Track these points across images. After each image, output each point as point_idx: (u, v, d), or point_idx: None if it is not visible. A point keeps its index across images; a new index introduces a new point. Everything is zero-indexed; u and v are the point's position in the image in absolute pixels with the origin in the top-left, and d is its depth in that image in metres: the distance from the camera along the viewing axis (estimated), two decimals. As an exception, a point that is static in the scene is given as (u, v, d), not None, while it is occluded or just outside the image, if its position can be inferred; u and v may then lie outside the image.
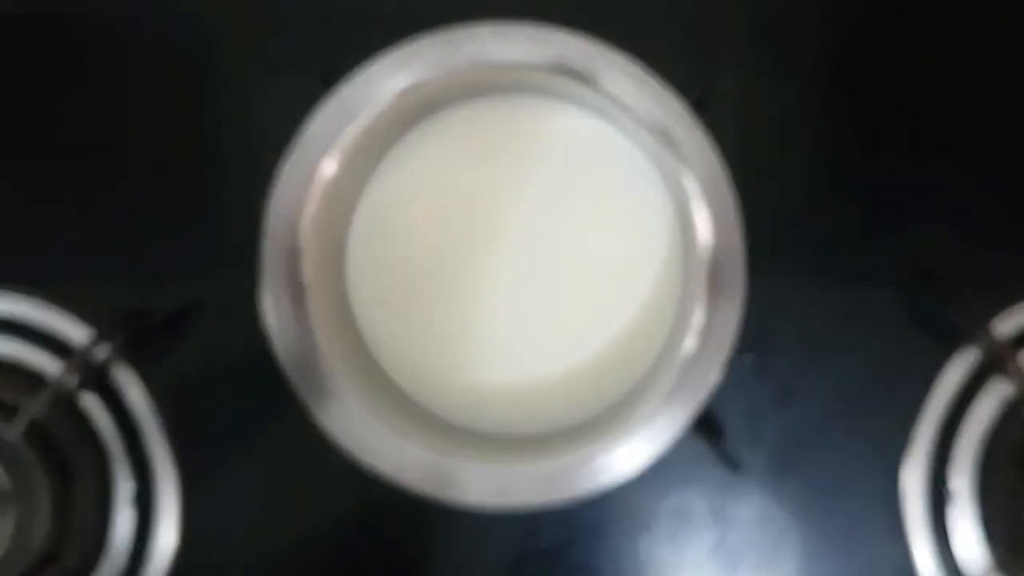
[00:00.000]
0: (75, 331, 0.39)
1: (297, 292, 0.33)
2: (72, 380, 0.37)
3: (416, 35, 0.33)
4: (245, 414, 0.39)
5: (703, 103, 0.34)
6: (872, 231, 0.40)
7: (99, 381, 0.38)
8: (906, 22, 0.40)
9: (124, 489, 0.38)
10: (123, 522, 0.38)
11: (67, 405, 0.38)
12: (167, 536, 0.38)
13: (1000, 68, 0.40)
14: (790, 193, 0.40)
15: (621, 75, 0.32)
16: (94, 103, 0.41)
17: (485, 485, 0.33)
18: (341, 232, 0.37)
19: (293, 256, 0.33)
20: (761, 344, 0.38)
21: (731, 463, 0.38)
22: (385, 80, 0.33)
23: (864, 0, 0.40)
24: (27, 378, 0.38)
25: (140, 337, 0.39)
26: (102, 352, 0.38)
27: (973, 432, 0.38)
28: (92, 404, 0.38)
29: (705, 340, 0.33)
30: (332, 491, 0.38)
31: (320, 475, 0.37)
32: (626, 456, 0.33)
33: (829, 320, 0.39)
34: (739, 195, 0.33)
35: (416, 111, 0.36)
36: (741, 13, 0.40)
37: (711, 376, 0.33)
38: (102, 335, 0.38)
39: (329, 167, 0.33)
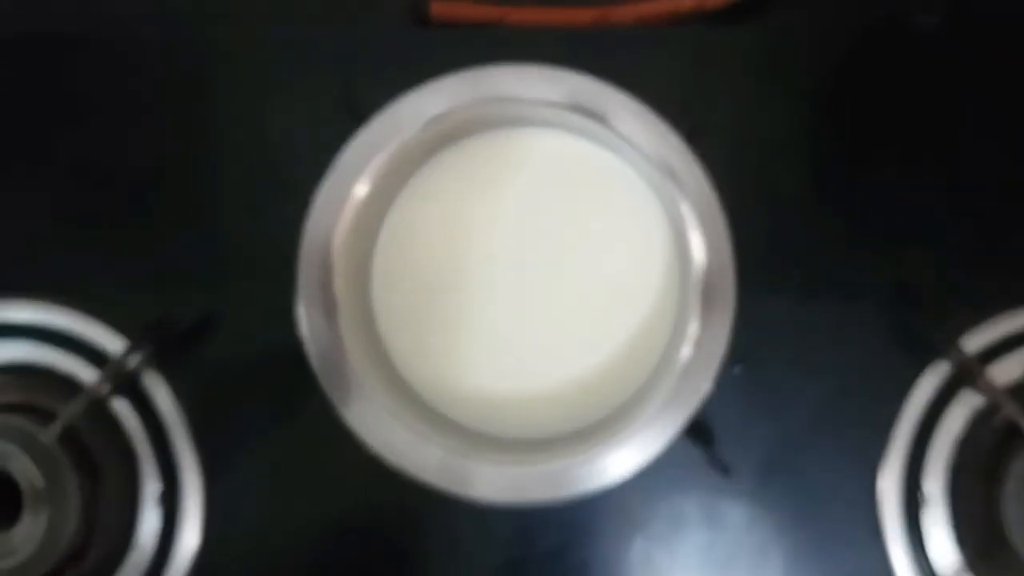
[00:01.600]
0: (108, 340, 0.40)
1: (329, 303, 0.35)
2: (105, 387, 0.38)
3: (440, 75, 0.35)
4: (268, 417, 0.40)
5: (696, 134, 0.36)
6: (853, 253, 0.41)
7: (129, 387, 0.40)
8: (889, 54, 0.41)
9: (150, 489, 0.39)
10: (148, 521, 0.39)
11: (99, 410, 0.39)
12: (190, 535, 0.39)
13: (981, 97, 0.41)
14: (777, 218, 0.41)
15: (625, 111, 0.35)
16: (130, 124, 0.42)
17: (495, 483, 0.35)
18: (368, 249, 0.39)
19: (326, 270, 0.35)
20: (749, 357, 0.39)
21: (722, 468, 0.39)
22: (412, 113, 0.35)
23: (849, 32, 0.42)
24: (60, 384, 0.40)
25: (168, 345, 0.40)
26: (133, 360, 0.39)
27: (945, 441, 0.39)
28: (122, 408, 0.40)
29: (698, 351, 0.35)
30: (353, 490, 0.39)
31: (340, 473, 0.38)
32: (625, 459, 0.35)
33: (812, 335, 0.40)
34: (730, 219, 0.35)
35: (439, 141, 0.38)
36: (731, 48, 0.41)
37: (704, 385, 0.35)
38: (134, 344, 0.39)
39: (360, 191, 0.35)
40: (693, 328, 0.35)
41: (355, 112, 0.36)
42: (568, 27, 0.42)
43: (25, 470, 0.35)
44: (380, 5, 0.43)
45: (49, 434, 0.36)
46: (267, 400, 0.40)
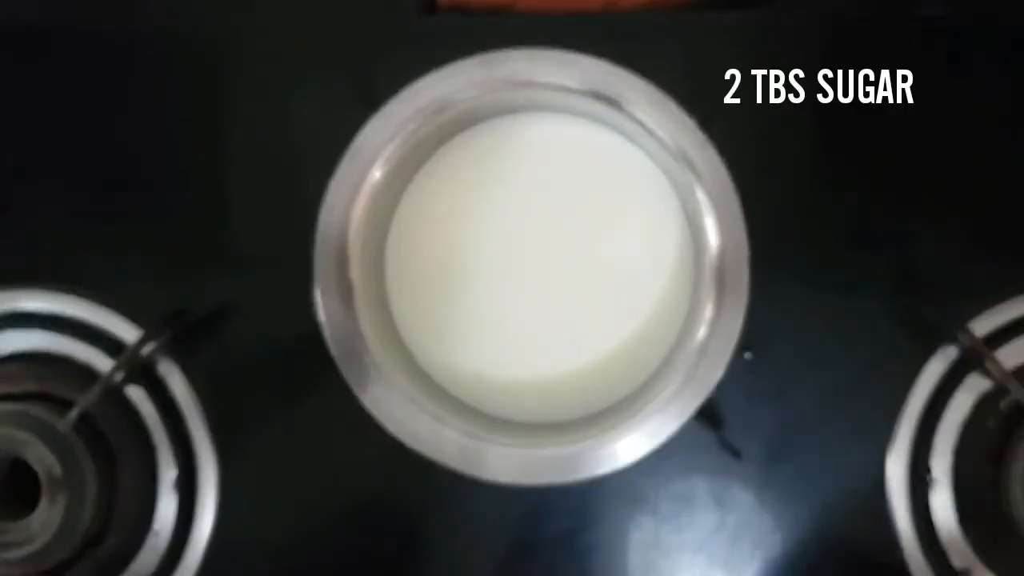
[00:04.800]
0: (124, 329, 0.40)
1: (345, 289, 0.35)
2: (121, 375, 0.39)
3: (452, 61, 0.35)
4: (284, 403, 0.40)
5: (708, 119, 0.37)
6: (863, 241, 0.41)
7: (145, 375, 0.40)
8: (896, 39, 0.41)
9: (167, 475, 0.40)
10: (165, 506, 0.40)
11: (115, 398, 0.39)
12: (207, 519, 0.40)
13: (987, 87, 0.41)
14: (788, 204, 0.41)
15: (640, 96, 0.35)
16: (145, 115, 0.42)
17: (510, 465, 0.35)
18: (382, 235, 0.39)
19: (342, 256, 0.35)
20: (760, 342, 0.39)
21: (732, 452, 0.39)
22: (425, 99, 0.35)
23: (857, 18, 0.42)
24: (77, 372, 0.40)
25: (184, 333, 0.40)
26: (149, 348, 0.39)
27: (952, 424, 0.39)
28: (138, 396, 0.40)
29: (712, 336, 0.35)
30: (368, 473, 0.39)
31: (356, 457, 0.38)
32: (637, 442, 0.36)
33: (822, 320, 0.40)
34: (743, 205, 0.35)
35: (452, 127, 0.38)
36: (741, 33, 0.41)
37: (716, 369, 0.35)
38: (149, 332, 0.39)
39: (375, 177, 0.36)
40: (707, 313, 0.35)
41: (368, 99, 0.36)
42: (578, 13, 0.42)
43: (42, 458, 0.35)
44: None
45: (66, 422, 0.36)
46: (283, 386, 0.40)
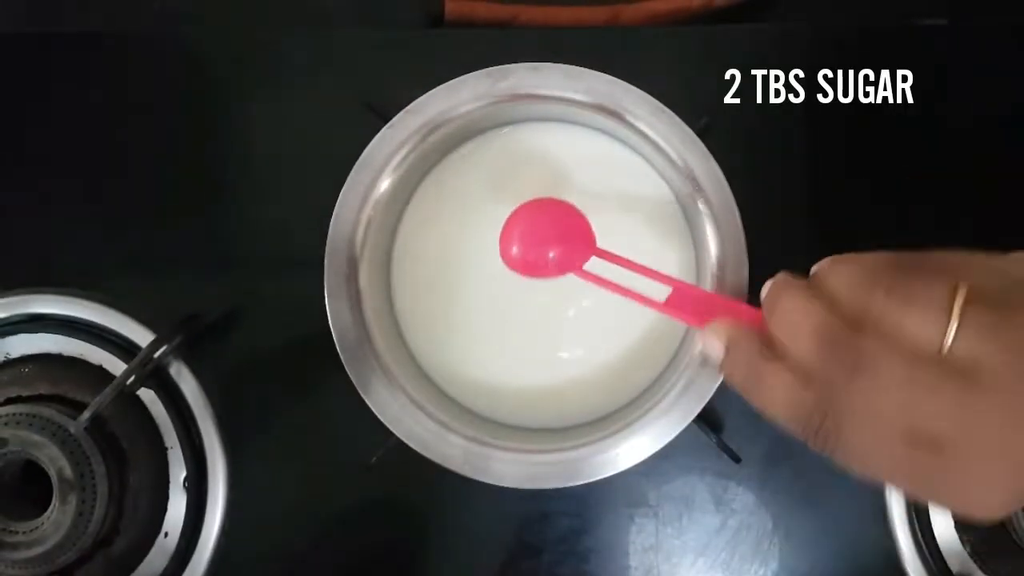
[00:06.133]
0: (136, 332, 0.41)
1: (354, 295, 0.36)
2: (133, 377, 0.39)
3: (458, 73, 0.36)
4: (293, 406, 0.41)
5: (707, 130, 0.37)
6: (862, 243, 0.39)
7: (157, 377, 0.40)
8: (892, 53, 0.42)
9: (177, 476, 0.40)
10: (175, 507, 0.40)
11: (127, 400, 0.40)
12: (217, 519, 0.40)
13: (981, 97, 0.42)
14: (786, 211, 0.41)
15: (642, 107, 0.35)
16: (159, 122, 0.42)
17: (514, 470, 0.35)
18: (389, 243, 0.40)
19: (351, 263, 0.36)
20: None
21: (732, 455, 0.39)
22: (433, 110, 0.36)
23: (854, 31, 0.42)
24: (90, 375, 0.40)
25: (195, 336, 0.41)
26: (161, 352, 0.40)
27: None
28: (149, 398, 0.40)
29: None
30: (375, 476, 0.39)
31: (363, 459, 0.39)
32: (638, 447, 0.36)
33: None
34: (744, 211, 0.35)
35: (458, 136, 0.39)
36: (739, 45, 0.42)
37: (717, 375, 0.35)
38: (161, 336, 0.40)
39: (383, 186, 0.36)
40: (708, 319, 0.35)
41: (377, 110, 0.37)
42: (580, 26, 0.43)
43: (54, 459, 0.36)
44: (397, 6, 0.44)
45: (78, 424, 0.37)
46: (291, 389, 0.41)
